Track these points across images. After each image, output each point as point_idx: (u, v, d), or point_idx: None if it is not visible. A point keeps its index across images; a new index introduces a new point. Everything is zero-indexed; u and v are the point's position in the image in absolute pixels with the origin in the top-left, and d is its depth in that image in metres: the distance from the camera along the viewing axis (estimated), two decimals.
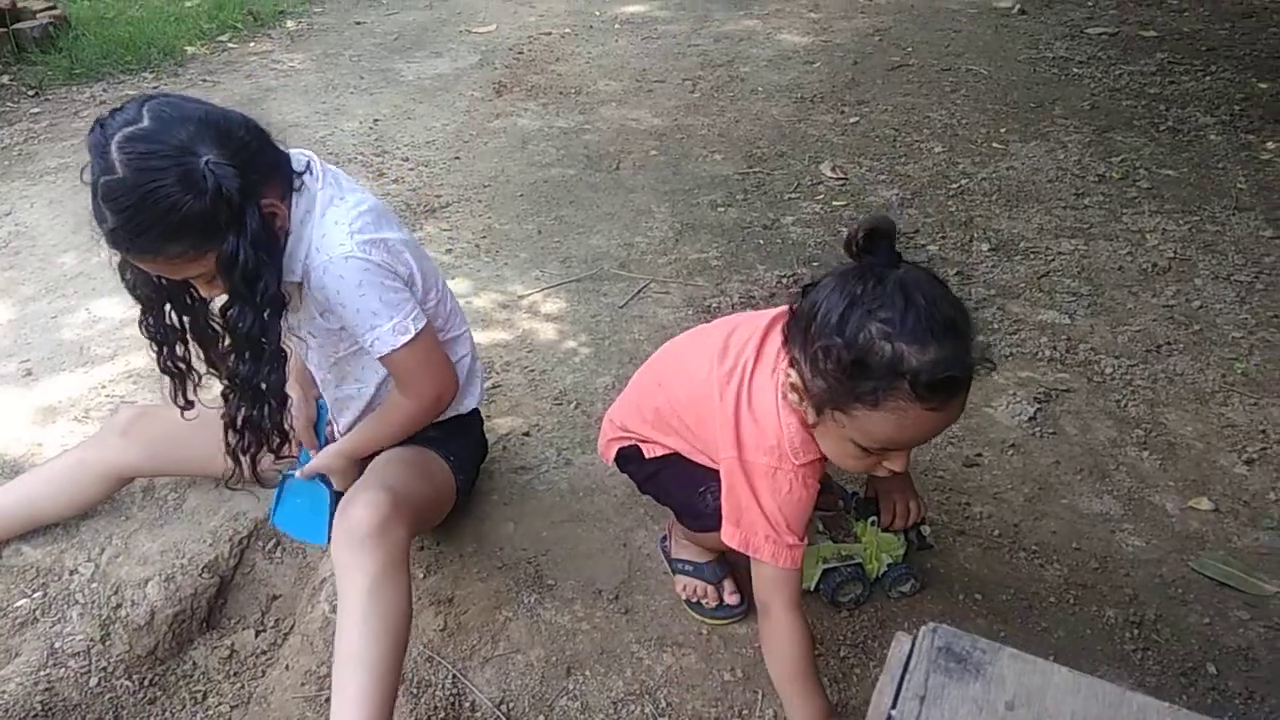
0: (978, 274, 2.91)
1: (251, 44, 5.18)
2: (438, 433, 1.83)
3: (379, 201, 1.67)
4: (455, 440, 1.87)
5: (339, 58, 4.95)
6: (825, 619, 1.76)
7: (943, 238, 3.11)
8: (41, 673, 1.74)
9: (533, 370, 2.46)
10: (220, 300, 1.56)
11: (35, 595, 1.86)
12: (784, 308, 1.48)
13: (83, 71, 4.62)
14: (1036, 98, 4.25)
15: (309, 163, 1.60)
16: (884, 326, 1.24)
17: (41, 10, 4.98)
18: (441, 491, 1.80)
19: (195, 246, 1.43)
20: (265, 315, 1.51)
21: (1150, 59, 4.64)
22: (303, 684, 1.72)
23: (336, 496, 1.85)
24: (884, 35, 5.11)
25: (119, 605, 1.84)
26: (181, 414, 1.73)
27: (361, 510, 1.54)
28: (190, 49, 5.02)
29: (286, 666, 1.76)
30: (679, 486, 1.68)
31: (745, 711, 1.62)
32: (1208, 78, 4.39)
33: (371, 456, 1.77)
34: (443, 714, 1.65)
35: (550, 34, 5.28)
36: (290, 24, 5.51)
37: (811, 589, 1.75)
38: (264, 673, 1.83)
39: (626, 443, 1.75)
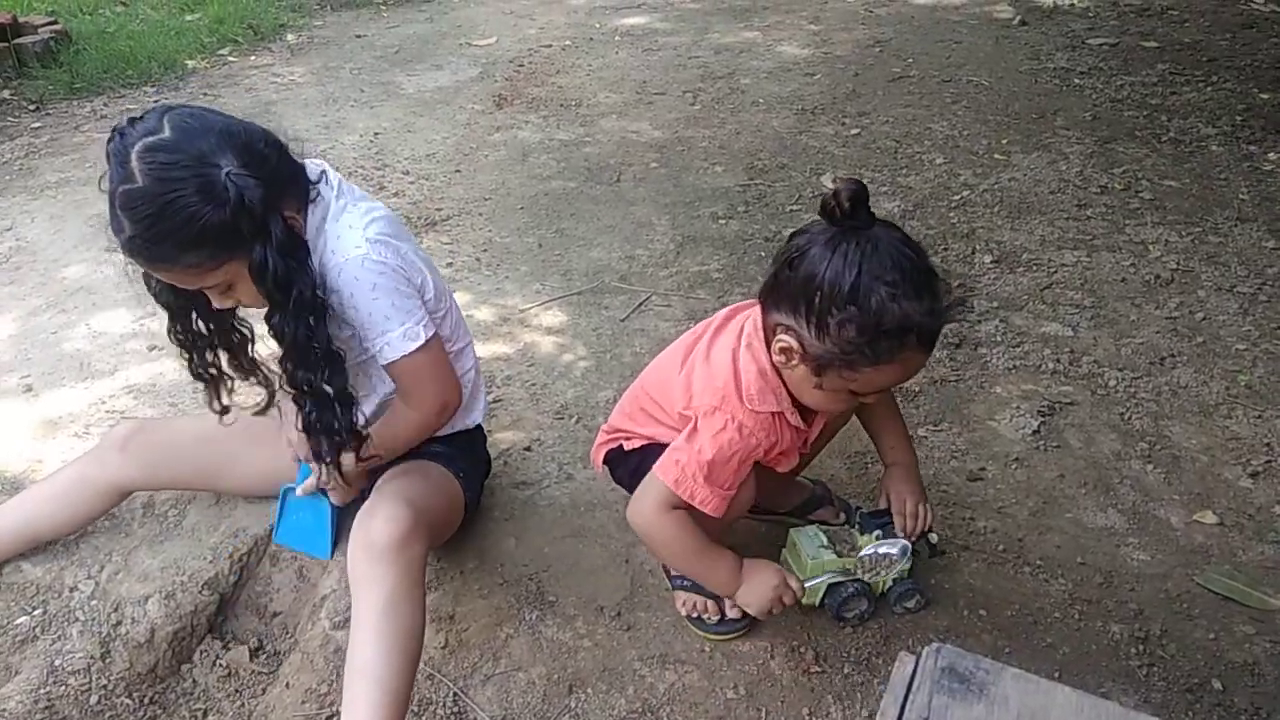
0: (980, 286, 2.91)
1: (252, 57, 5.19)
2: (445, 448, 1.83)
3: (390, 212, 1.68)
4: (464, 456, 1.87)
5: (339, 71, 4.96)
6: (829, 635, 1.75)
7: (945, 250, 3.10)
8: (42, 690, 1.73)
9: (533, 384, 2.46)
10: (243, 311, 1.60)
11: (35, 613, 1.85)
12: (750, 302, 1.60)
13: (84, 86, 4.62)
14: (1038, 109, 4.25)
15: (323, 172, 1.61)
16: (890, 289, 1.34)
17: (43, 25, 4.99)
18: (454, 508, 1.80)
19: (213, 257, 1.44)
20: (309, 320, 1.51)
21: (1152, 70, 4.64)
22: (303, 702, 1.71)
23: (336, 509, 1.85)
24: (884, 46, 5.12)
25: (119, 623, 1.83)
26: (220, 419, 1.75)
27: (382, 525, 1.53)
28: (191, 63, 5.03)
29: (287, 684, 1.75)
30: None
31: None
32: (1209, 88, 4.39)
33: (375, 473, 1.76)
34: None
35: (550, 46, 5.29)
36: (290, 37, 5.52)
37: (817, 604, 1.74)
38: (264, 690, 1.82)
39: (611, 444, 1.78)
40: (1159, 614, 1.82)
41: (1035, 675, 0.97)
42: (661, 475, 1.55)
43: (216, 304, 1.57)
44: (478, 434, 1.94)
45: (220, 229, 1.40)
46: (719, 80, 4.72)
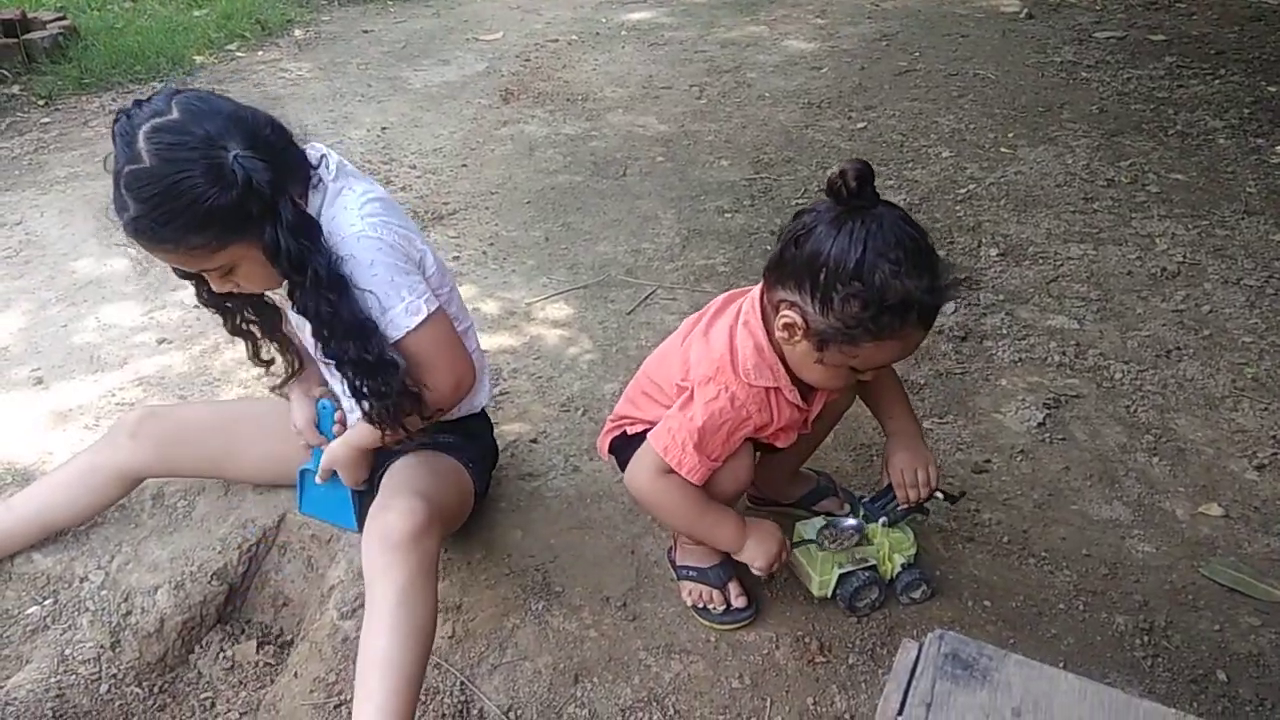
0: (986, 279, 2.91)
1: (259, 53, 5.21)
2: (453, 438, 1.83)
3: (387, 193, 1.69)
4: (472, 446, 1.87)
5: (346, 66, 4.97)
6: (834, 625, 1.75)
7: (951, 243, 3.10)
8: (52, 679, 1.75)
9: (540, 377, 2.47)
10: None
11: (46, 603, 1.87)
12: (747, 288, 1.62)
13: (92, 81, 4.64)
14: (1044, 102, 4.25)
15: (323, 156, 1.62)
16: (894, 266, 1.36)
17: (51, 21, 5.02)
18: (465, 499, 1.81)
19: (217, 239, 1.45)
20: (331, 296, 1.52)
21: (1159, 63, 4.63)
22: (312, 691, 1.72)
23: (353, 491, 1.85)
24: (891, 40, 5.11)
25: (129, 612, 1.84)
26: (267, 372, 1.81)
27: (396, 517, 1.54)
28: (199, 58, 5.05)
29: (295, 674, 1.76)
30: None
31: (754, 718, 1.61)
32: (1216, 81, 4.38)
33: (382, 458, 1.77)
34: None
35: (557, 41, 5.30)
36: (298, 33, 5.54)
37: (829, 596, 1.75)
38: (273, 680, 1.83)
39: (615, 430, 1.79)
40: (1164, 605, 1.83)
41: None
42: (653, 441, 1.58)
43: (216, 287, 1.58)
44: (485, 424, 1.95)
45: (226, 211, 1.41)
46: (725, 74, 4.72)
